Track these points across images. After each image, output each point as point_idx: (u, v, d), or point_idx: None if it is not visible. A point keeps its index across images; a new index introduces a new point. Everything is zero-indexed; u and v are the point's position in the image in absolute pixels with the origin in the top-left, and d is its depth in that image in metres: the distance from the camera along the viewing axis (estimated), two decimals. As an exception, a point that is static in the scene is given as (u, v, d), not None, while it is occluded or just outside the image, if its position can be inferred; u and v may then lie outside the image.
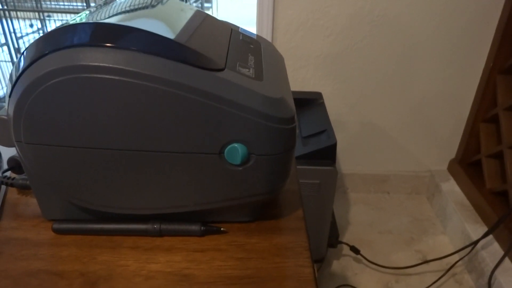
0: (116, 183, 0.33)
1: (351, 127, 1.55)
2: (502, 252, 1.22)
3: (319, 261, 1.26)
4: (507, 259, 1.20)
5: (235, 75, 0.32)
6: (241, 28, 0.44)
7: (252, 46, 0.40)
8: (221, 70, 0.32)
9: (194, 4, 2.14)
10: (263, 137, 0.31)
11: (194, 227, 0.36)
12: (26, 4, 1.79)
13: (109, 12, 0.35)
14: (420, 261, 1.35)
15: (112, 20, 0.33)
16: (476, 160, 1.48)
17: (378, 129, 1.55)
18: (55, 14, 1.91)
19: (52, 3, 1.89)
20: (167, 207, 0.35)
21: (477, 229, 1.32)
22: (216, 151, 0.32)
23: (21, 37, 1.86)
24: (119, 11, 0.35)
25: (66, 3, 1.87)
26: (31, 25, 2.06)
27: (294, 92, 1.35)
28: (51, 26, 1.90)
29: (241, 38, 0.41)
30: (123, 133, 0.31)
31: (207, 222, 0.37)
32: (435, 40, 1.37)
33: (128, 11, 0.36)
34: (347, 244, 1.37)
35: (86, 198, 0.34)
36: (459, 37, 1.36)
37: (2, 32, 1.78)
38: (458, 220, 1.40)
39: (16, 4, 1.76)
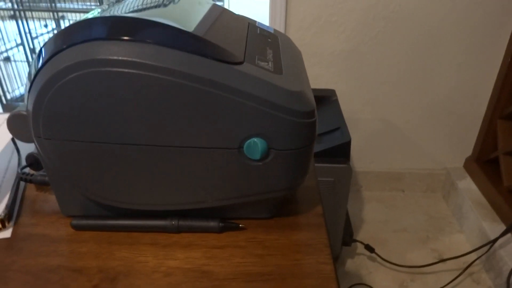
0: (135, 179, 0.33)
1: (365, 124, 1.53)
2: (521, 251, 1.20)
3: (333, 259, 1.25)
4: (526, 258, 1.18)
5: (254, 68, 0.31)
6: (258, 22, 0.43)
7: (269, 40, 0.39)
8: (240, 63, 0.31)
9: (206, 2, 2.14)
10: (283, 131, 0.31)
11: (213, 224, 0.35)
12: (40, 4, 1.81)
13: (123, 8, 0.35)
14: (436, 260, 1.33)
15: (128, 14, 0.32)
16: (493, 157, 1.45)
17: (392, 126, 1.53)
18: (69, 14, 1.93)
19: (67, 3, 1.91)
20: (186, 203, 0.35)
21: (494, 227, 1.30)
22: (235, 146, 0.31)
23: (36, 37, 1.88)
24: (134, 6, 0.35)
25: (80, 3, 1.89)
26: (46, 25, 2.08)
27: (307, 89, 1.34)
28: (65, 26, 1.92)
29: (258, 32, 0.40)
30: (141, 128, 0.31)
31: (225, 218, 0.36)
32: (452, 35, 1.34)
33: (144, 6, 0.35)
34: (362, 243, 1.35)
35: (105, 194, 0.34)
36: (476, 32, 1.33)
37: (17, 32, 1.80)
38: (475, 218, 1.37)
39: (31, 4, 1.78)
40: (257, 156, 0.31)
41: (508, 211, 1.29)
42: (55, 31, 1.95)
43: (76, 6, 1.89)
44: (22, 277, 0.31)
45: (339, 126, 1.16)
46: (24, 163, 0.41)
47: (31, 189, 0.41)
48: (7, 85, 1.83)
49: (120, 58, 0.29)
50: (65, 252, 0.34)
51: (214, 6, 0.40)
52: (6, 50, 1.80)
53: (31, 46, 1.83)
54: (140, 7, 0.35)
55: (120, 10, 0.34)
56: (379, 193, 1.66)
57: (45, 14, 1.93)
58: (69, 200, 0.36)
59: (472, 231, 1.40)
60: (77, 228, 0.36)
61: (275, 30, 0.43)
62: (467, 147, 1.56)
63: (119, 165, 0.32)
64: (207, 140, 0.31)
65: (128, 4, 0.37)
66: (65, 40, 0.31)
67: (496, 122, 1.42)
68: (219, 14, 0.38)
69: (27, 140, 0.33)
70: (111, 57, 0.29)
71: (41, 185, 0.40)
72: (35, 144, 0.32)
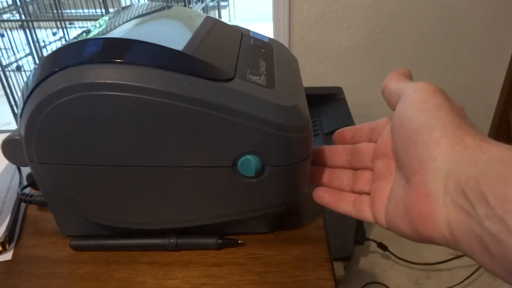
0: (131, 199, 0.33)
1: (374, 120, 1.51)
2: (539, 246, 1.17)
3: (346, 258, 1.24)
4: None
5: (245, 84, 0.31)
6: (253, 32, 0.43)
7: (263, 50, 0.39)
8: (231, 79, 0.30)
9: (211, 3, 2.14)
10: (276, 148, 0.30)
11: (211, 241, 0.35)
12: (47, 14, 1.82)
13: (118, 22, 0.35)
14: (451, 256, 1.31)
15: (119, 33, 0.32)
16: (507, 149, 1.42)
17: (402, 121, 1.51)
18: (75, 22, 1.95)
19: (72, 11, 1.93)
20: (183, 221, 0.34)
21: (511, 221, 1.27)
22: (229, 164, 0.31)
23: (45, 46, 1.90)
24: (127, 21, 0.35)
25: (85, 11, 1.90)
26: (54, 34, 2.10)
27: (313, 88, 1.33)
28: (71, 33, 1.94)
29: (252, 42, 0.39)
30: (134, 150, 0.30)
31: (224, 234, 0.36)
32: (460, 27, 1.32)
33: (136, 22, 0.35)
34: (375, 241, 1.34)
35: (101, 215, 0.34)
36: (486, 23, 1.30)
37: (26, 42, 1.82)
38: (490, 212, 1.35)
39: (38, 14, 1.80)
40: (252, 173, 0.31)
41: (524, 205, 1.27)
42: (63, 40, 1.97)
43: (81, 13, 1.90)
44: (22, 302, 0.31)
45: (347, 124, 1.14)
46: (25, 182, 0.41)
47: (33, 208, 0.41)
48: (18, 95, 1.85)
49: (108, 81, 0.29)
50: (64, 274, 0.34)
51: (207, 19, 0.39)
52: (16, 60, 1.82)
53: (40, 55, 1.86)
54: (133, 22, 0.35)
55: (115, 25, 0.34)
56: (391, 190, 1.63)
57: (53, 23, 1.95)
58: (68, 221, 0.36)
59: (487, 226, 1.37)
60: (76, 248, 0.36)
61: (270, 39, 0.43)
62: (480, 139, 1.53)
63: (114, 187, 0.32)
64: (200, 159, 0.31)
65: (124, 17, 0.37)
66: (55, 63, 0.30)
67: (509, 113, 1.39)
68: (211, 27, 0.37)
69: (22, 164, 0.33)
70: (100, 81, 0.29)
71: (41, 205, 0.40)
72: (30, 168, 0.32)
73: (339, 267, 1.23)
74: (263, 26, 1.37)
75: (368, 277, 1.29)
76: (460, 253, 1.33)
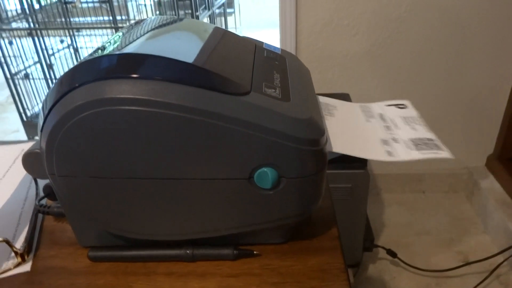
0: (149, 211, 0.33)
1: (382, 126, 1.51)
2: (550, 252, 1.16)
3: (355, 265, 1.24)
4: (556, 260, 1.14)
5: (261, 97, 0.31)
6: (266, 44, 0.43)
7: (277, 62, 0.39)
8: (247, 93, 0.31)
9: (217, 11, 2.16)
10: (293, 160, 0.31)
11: (227, 251, 0.35)
12: (55, 22, 1.85)
13: (133, 37, 0.36)
14: (461, 263, 1.30)
15: (137, 48, 0.33)
16: (516, 155, 1.41)
17: (410, 127, 1.50)
18: (83, 30, 1.97)
19: (80, 19, 1.95)
20: (200, 232, 0.35)
21: (521, 227, 1.26)
22: (246, 176, 0.31)
23: (53, 54, 1.92)
24: (142, 36, 0.35)
25: (93, 18, 1.92)
26: (62, 41, 2.13)
27: (321, 94, 1.33)
28: (79, 41, 1.96)
29: (265, 54, 0.40)
30: (153, 163, 0.31)
31: (240, 244, 0.36)
32: (466, 31, 1.31)
33: (151, 36, 0.36)
34: (383, 248, 1.33)
35: (120, 226, 0.34)
36: (491, 27, 1.30)
37: (34, 50, 1.84)
38: (500, 218, 1.34)
39: (46, 21, 1.83)
40: (268, 186, 0.31)
41: (534, 210, 1.26)
42: (71, 47, 1.99)
43: (89, 21, 1.93)
44: (42, 313, 0.32)
45: (355, 131, 1.14)
46: (41, 193, 0.42)
47: (50, 219, 0.42)
48: (27, 102, 1.87)
49: (127, 96, 0.29)
50: (83, 285, 0.34)
51: (222, 32, 0.40)
52: (25, 68, 1.84)
53: (48, 62, 1.88)
54: (149, 36, 0.35)
55: (133, 39, 0.35)
56: (399, 196, 1.63)
57: (61, 31, 1.98)
58: (86, 232, 0.36)
59: (497, 232, 1.36)
60: (94, 259, 0.36)
61: (282, 50, 0.43)
62: (489, 145, 1.52)
63: (132, 199, 0.33)
64: (218, 172, 0.31)
65: (139, 31, 0.37)
66: (75, 78, 0.31)
67: (518, 118, 1.38)
68: (226, 40, 0.38)
69: (42, 177, 0.33)
70: (120, 96, 0.29)
71: (58, 216, 0.41)
72: (49, 180, 0.33)
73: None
74: (269, 33, 1.38)
75: (377, 284, 1.28)
76: (470, 259, 1.32)
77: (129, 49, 0.33)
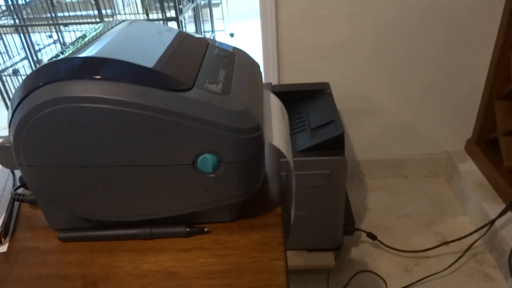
0: (108, 195, 0.38)
1: (364, 113, 1.56)
2: (521, 230, 1.21)
3: (336, 249, 1.29)
4: (525, 237, 1.19)
5: (202, 92, 0.35)
6: (218, 42, 0.47)
7: (226, 59, 0.43)
8: (189, 89, 0.35)
9: (202, 2, 2.18)
10: (230, 147, 0.35)
11: (180, 229, 0.40)
12: (42, 16, 1.87)
13: (92, 40, 0.40)
14: (438, 243, 1.36)
15: (92, 51, 0.37)
16: (493, 138, 1.46)
17: (391, 113, 1.55)
18: (70, 25, 1.99)
19: (67, 13, 1.97)
20: (155, 213, 0.39)
21: (496, 208, 1.31)
22: (190, 162, 0.36)
23: (39, 49, 1.95)
24: (99, 39, 0.40)
25: (79, 12, 1.94)
26: (50, 36, 2.15)
27: (301, 85, 1.37)
28: (66, 36, 1.98)
29: (216, 52, 0.44)
30: (108, 152, 0.35)
31: (193, 223, 0.41)
32: (443, 18, 1.35)
33: (107, 40, 0.40)
34: (364, 231, 1.39)
35: (84, 210, 0.39)
36: (468, 13, 1.34)
37: (21, 46, 1.87)
38: (476, 200, 1.39)
39: (32, 17, 1.85)
40: (209, 170, 0.36)
41: (509, 191, 1.31)
42: (58, 42, 2.02)
43: (76, 14, 1.94)
44: (16, 286, 0.37)
45: (333, 119, 1.19)
46: (18, 183, 0.46)
47: (26, 207, 0.46)
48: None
49: (82, 95, 0.33)
50: (53, 262, 0.39)
51: (174, 33, 0.44)
52: (12, 65, 1.87)
53: (36, 58, 1.90)
54: (103, 41, 0.39)
55: (85, 47, 0.39)
56: (382, 181, 1.68)
57: (48, 26, 2.00)
58: (55, 216, 0.41)
59: (474, 213, 1.42)
60: (63, 240, 0.41)
61: (234, 48, 0.47)
62: (467, 129, 1.57)
63: (93, 185, 0.37)
64: (165, 159, 0.36)
65: (93, 37, 0.41)
66: (39, 79, 0.35)
67: (494, 102, 1.43)
68: (178, 42, 0.42)
69: (13, 167, 0.38)
70: (77, 95, 0.34)
71: (32, 203, 0.45)
72: (19, 170, 0.37)
73: (329, 257, 1.28)
74: (257, 23, 1.41)
75: (359, 266, 1.34)
76: (448, 239, 1.37)
77: (85, 52, 0.37)
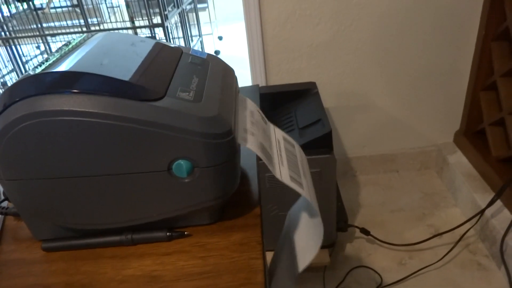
0: (88, 204, 0.39)
1: (353, 111, 1.57)
2: (511, 218, 1.23)
3: (330, 246, 1.30)
4: (515, 225, 1.21)
5: (173, 101, 0.37)
6: (193, 50, 0.48)
7: (199, 67, 0.44)
8: (161, 98, 0.36)
9: (188, 7, 2.19)
10: (203, 152, 0.36)
11: (161, 234, 0.41)
12: (28, 27, 1.87)
13: (66, 54, 0.41)
14: (431, 235, 1.37)
15: (66, 66, 0.38)
16: (480, 129, 1.48)
17: (379, 109, 1.57)
18: (57, 35, 2.00)
19: (54, 23, 1.97)
20: (136, 219, 0.40)
21: (486, 197, 1.33)
22: (165, 168, 0.37)
23: (27, 61, 1.95)
24: (73, 54, 0.41)
25: (65, 23, 1.95)
26: (38, 47, 2.15)
27: (288, 85, 1.39)
28: (53, 46, 1.98)
29: (190, 60, 0.45)
30: (86, 163, 0.36)
31: (174, 227, 0.42)
32: (425, 13, 1.37)
33: (81, 54, 0.41)
34: (357, 227, 1.40)
35: (66, 220, 0.40)
36: (449, 7, 1.36)
37: (8, 59, 1.88)
38: (467, 190, 1.41)
39: (17, 29, 1.85)
40: (184, 175, 0.37)
41: (497, 180, 1.33)
42: (46, 54, 2.02)
43: (63, 25, 1.95)
44: (2, 297, 0.38)
45: (320, 118, 1.20)
46: (2, 197, 0.47)
47: (10, 219, 0.47)
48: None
49: (57, 109, 0.34)
50: (38, 272, 0.40)
51: (148, 43, 0.45)
52: (1, 77, 1.87)
53: (23, 70, 1.91)
54: (78, 55, 0.40)
55: (60, 61, 0.40)
56: (374, 176, 1.70)
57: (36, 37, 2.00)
58: (39, 227, 0.42)
59: (466, 204, 1.44)
60: (47, 250, 0.42)
61: (208, 55, 0.48)
62: (455, 121, 1.59)
63: (73, 195, 0.38)
64: (141, 166, 0.37)
65: (67, 52, 0.42)
66: (13, 95, 0.36)
67: (479, 94, 1.45)
68: (152, 53, 0.43)
69: (-6, 181, 0.39)
70: (51, 109, 0.35)
71: (15, 216, 0.46)
72: None
73: (324, 254, 1.29)
74: (243, 26, 1.42)
75: (354, 261, 1.35)
76: (440, 231, 1.38)
77: (59, 67, 0.38)
